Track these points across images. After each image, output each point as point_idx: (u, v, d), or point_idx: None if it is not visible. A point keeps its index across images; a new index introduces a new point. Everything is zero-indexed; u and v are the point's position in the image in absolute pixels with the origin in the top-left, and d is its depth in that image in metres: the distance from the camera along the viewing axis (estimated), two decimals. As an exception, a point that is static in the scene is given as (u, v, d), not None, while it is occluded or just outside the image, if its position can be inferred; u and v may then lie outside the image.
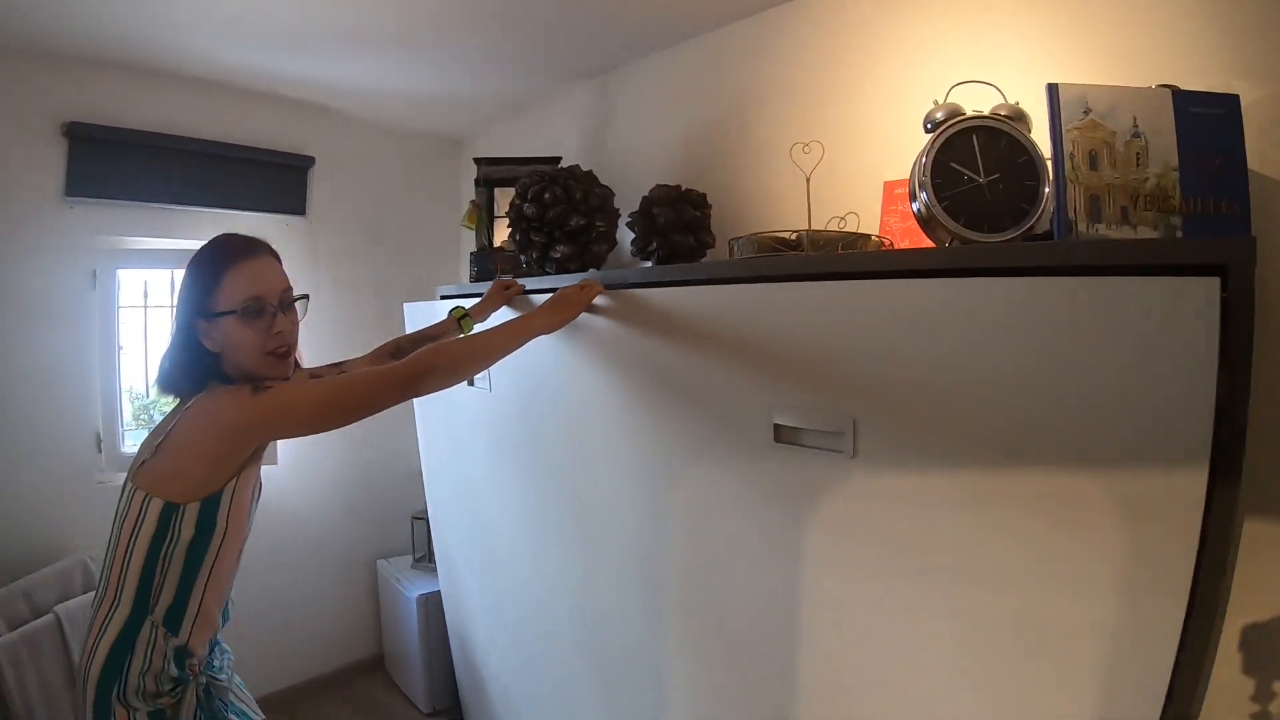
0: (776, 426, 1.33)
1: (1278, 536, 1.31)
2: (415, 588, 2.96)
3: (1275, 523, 1.32)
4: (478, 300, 1.92)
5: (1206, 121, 1.19)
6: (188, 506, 1.34)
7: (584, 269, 2.05)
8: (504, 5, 2.06)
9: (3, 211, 2.36)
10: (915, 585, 1.19)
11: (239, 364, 1.41)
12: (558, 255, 2.05)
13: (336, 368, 1.77)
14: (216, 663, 1.51)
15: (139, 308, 2.79)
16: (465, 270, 2.53)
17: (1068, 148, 1.15)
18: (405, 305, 2.49)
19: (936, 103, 1.34)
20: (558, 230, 2.03)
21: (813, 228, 1.59)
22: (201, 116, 2.74)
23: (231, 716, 1.48)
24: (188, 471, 1.35)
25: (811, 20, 1.96)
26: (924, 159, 1.29)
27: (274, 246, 2.89)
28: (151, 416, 3.00)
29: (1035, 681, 1.07)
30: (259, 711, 1.59)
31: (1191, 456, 0.90)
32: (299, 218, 3.05)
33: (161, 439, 1.37)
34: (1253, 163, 1.31)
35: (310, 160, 3.03)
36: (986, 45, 1.62)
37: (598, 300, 1.61)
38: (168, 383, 1.41)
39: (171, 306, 1.40)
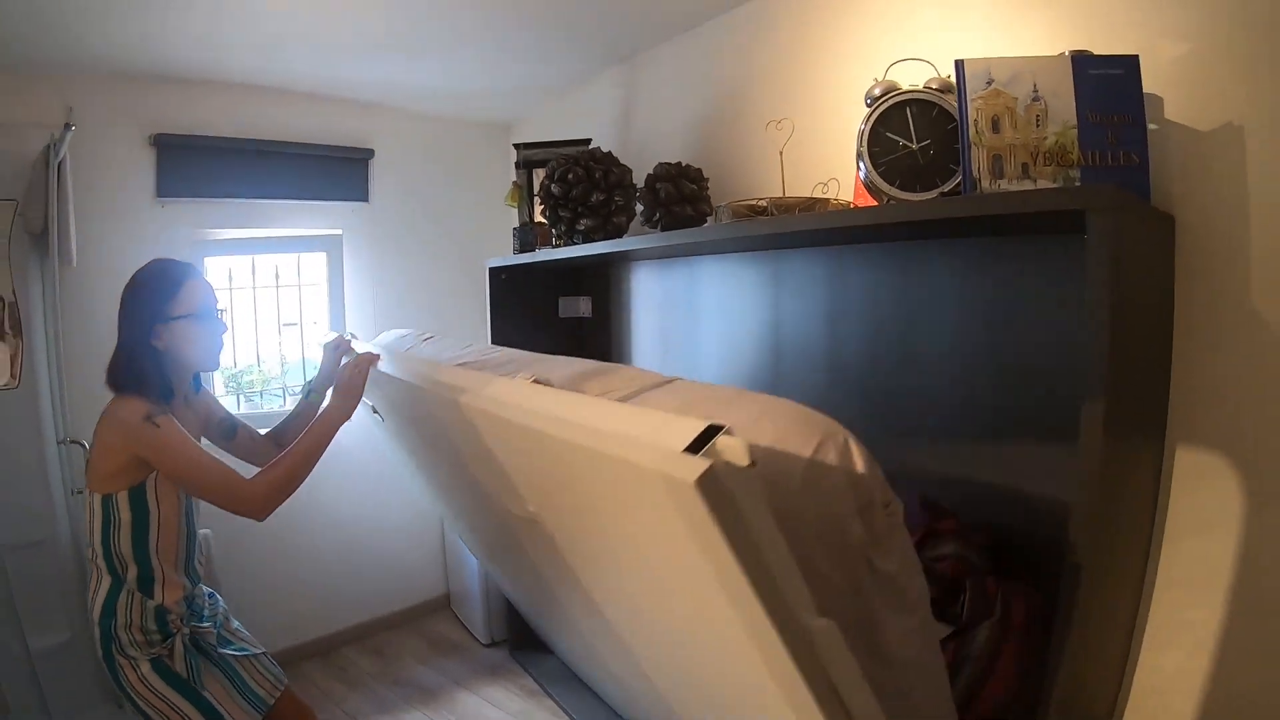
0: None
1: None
2: (475, 532, 3.27)
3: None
4: (319, 373, 2.10)
5: (1106, 81, 1.35)
6: (118, 495, 1.61)
7: (607, 238, 2.30)
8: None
9: (106, 212, 2.75)
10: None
11: (186, 360, 1.71)
12: (582, 227, 2.31)
13: (247, 428, 2.02)
14: (206, 612, 1.79)
15: (225, 289, 3.19)
16: (511, 244, 2.81)
17: (972, 115, 1.34)
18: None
19: (876, 79, 1.53)
20: (581, 206, 2.29)
21: (790, 194, 1.80)
22: (271, 120, 3.08)
23: (226, 652, 1.77)
24: (106, 467, 1.61)
25: (784, 7, 2.16)
26: (864, 129, 1.50)
27: (340, 230, 3.27)
28: (240, 386, 3.41)
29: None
30: (257, 645, 1.88)
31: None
32: (362, 203, 3.38)
33: (91, 443, 1.65)
34: (1173, 113, 1.46)
35: (370, 152, 3.35)
36: (925, 24, 1.78)
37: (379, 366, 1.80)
38: (112, 378, 1.67)
39: (121, 316, 1.70)
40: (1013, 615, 1.43)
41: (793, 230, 1.50)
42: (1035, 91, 1.34)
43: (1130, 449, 1.35)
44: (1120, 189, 1.17)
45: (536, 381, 1.28)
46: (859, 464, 0.98)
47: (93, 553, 1.65)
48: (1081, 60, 1.35)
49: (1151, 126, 1.41)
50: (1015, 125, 1.33)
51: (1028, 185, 1.33)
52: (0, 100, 2.53)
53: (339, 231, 3.34)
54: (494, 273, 2.87)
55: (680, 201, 2.03)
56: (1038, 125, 1.33)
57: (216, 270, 3.17)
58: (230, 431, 1.96)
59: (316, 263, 3.44)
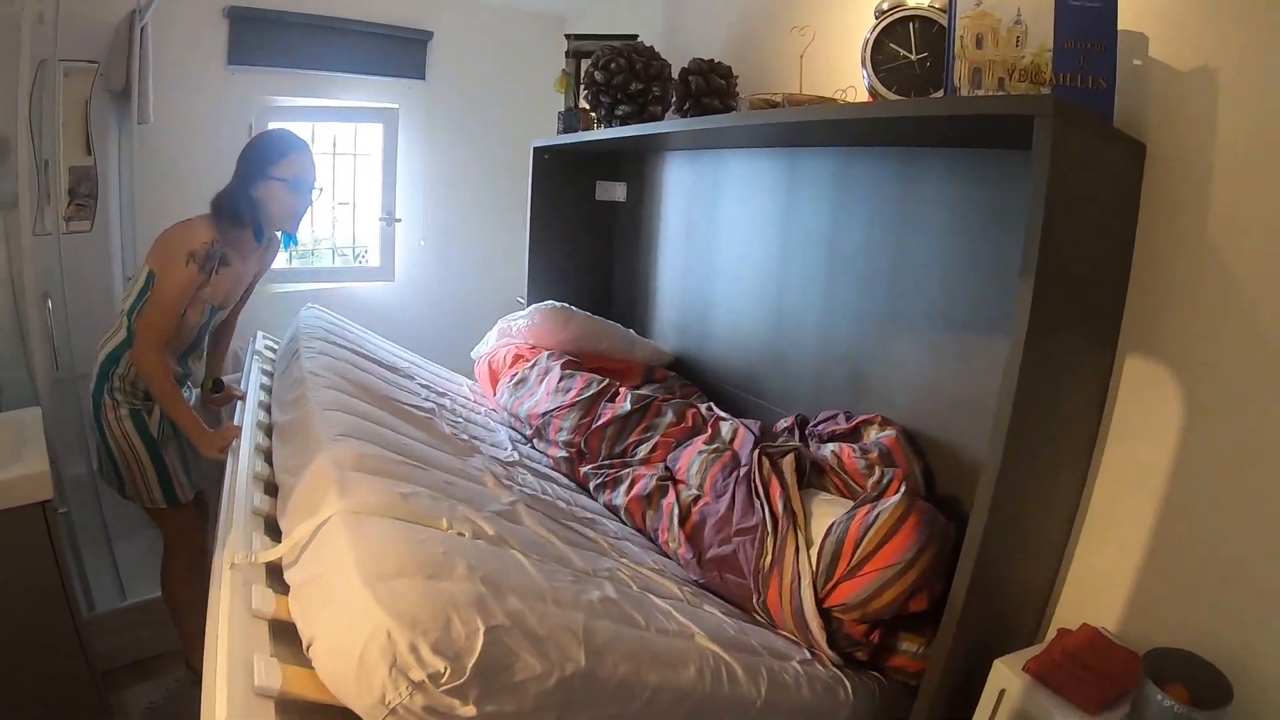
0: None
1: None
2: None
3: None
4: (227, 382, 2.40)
5: (1085, 12, 1.50)
6: None
7: (643, 122, 2.49)
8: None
9: (180, 77, 3.01)
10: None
11: (269, 214, 2.03)
12: (620, 114, 2.51)
13: (232, 324, 2.42)
14: (187, 395, 2.14)
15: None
16: (555, 126, 3.02)
17: (959, 30, 1.51)
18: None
19: (886, -6, 1.70)
20: (621, 93, 2.48)
21: (804, 93, 1.98)
22: (337, -2, 3.29)
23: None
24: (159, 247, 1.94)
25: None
26: (869, 39, 1.68)
27: (397, 105, 3.55)
28: (296, 245, 3.67)
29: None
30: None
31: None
32: (419, 81, 3.62)
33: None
34: (1156, 52, 1.58)
35: (429, 34, 3.57)
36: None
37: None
38: (214, 201, 2.01)
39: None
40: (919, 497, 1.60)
41: (784, 123, 1.71)
42: (1019, 16, 1.50)
43: (1073, 349, 1.47)
44: (1068, 102, 1.31)
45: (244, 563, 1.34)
46: (401, 650, 1.03)
47: (122, 311, 2.01)
48: (1065, -9, 1.50)
49: (1135, 62, 1.55)
50: (997, 44, 1.50)
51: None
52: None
53: (396, 106, 3.57)
54: (538, 152, 3.07)
55: (709, 94, 2.22)
56: (1017, 45, 1.50)
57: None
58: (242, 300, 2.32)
59: (373, 134, 3.68)
